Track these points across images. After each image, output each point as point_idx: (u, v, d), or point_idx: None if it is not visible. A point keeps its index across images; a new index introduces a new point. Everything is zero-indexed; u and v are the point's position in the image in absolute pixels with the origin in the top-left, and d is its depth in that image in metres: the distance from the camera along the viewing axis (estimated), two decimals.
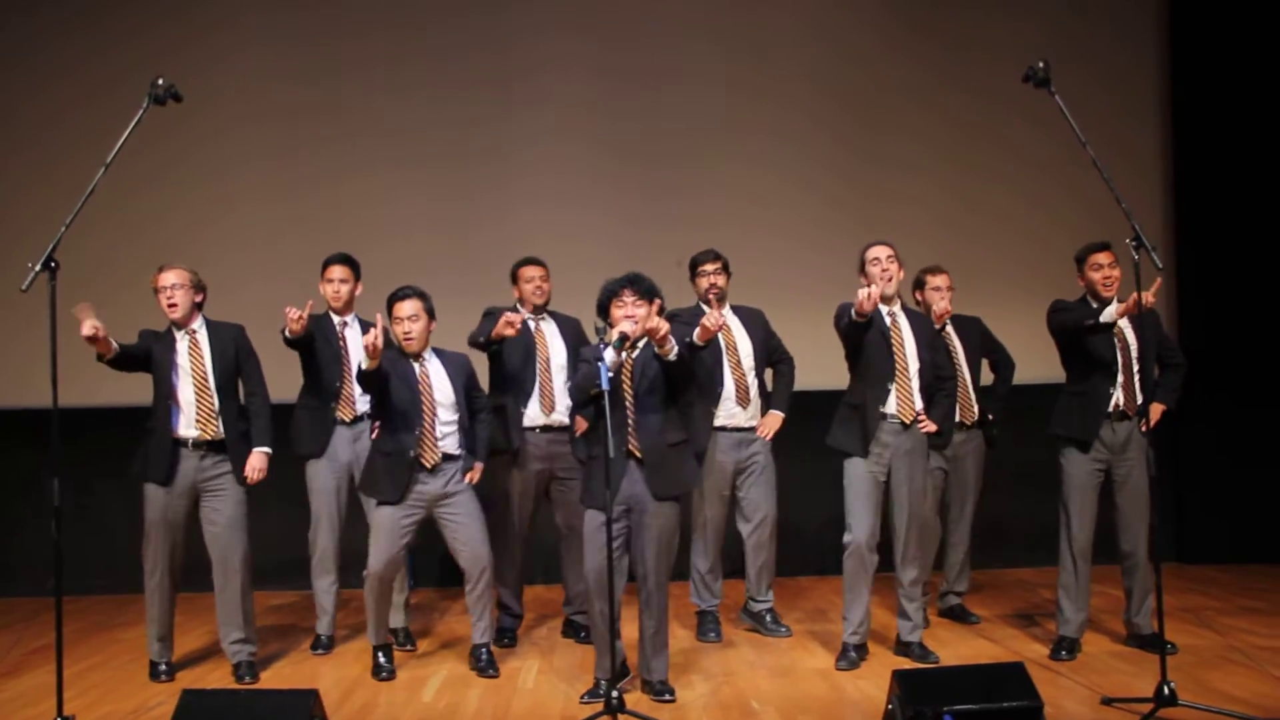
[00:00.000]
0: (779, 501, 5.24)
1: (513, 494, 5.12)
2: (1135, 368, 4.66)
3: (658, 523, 4.13)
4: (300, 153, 6.89)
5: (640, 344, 4.17)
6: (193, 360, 4.61)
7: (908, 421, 4.56)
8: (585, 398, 4.14)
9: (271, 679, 4.71)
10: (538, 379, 5.10)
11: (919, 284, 5.39)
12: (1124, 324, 4.64)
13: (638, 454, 4.13)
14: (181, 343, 4.63)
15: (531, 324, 5.18)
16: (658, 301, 4.11)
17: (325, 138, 6.89)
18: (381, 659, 4.66)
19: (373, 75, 6.92)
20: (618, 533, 4.02)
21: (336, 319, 5.15)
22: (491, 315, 5.07)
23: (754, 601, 5.30)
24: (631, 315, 4.06)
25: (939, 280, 5.33)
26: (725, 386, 5.14)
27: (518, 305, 5.20)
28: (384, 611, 4.67)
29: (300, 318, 4.74)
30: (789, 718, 3.97)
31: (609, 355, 3.97)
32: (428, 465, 4.53)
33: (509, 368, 5.11)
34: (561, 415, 5.11)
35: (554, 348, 5.18)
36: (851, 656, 4.59)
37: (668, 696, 4.16)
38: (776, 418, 5.24)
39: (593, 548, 4.09)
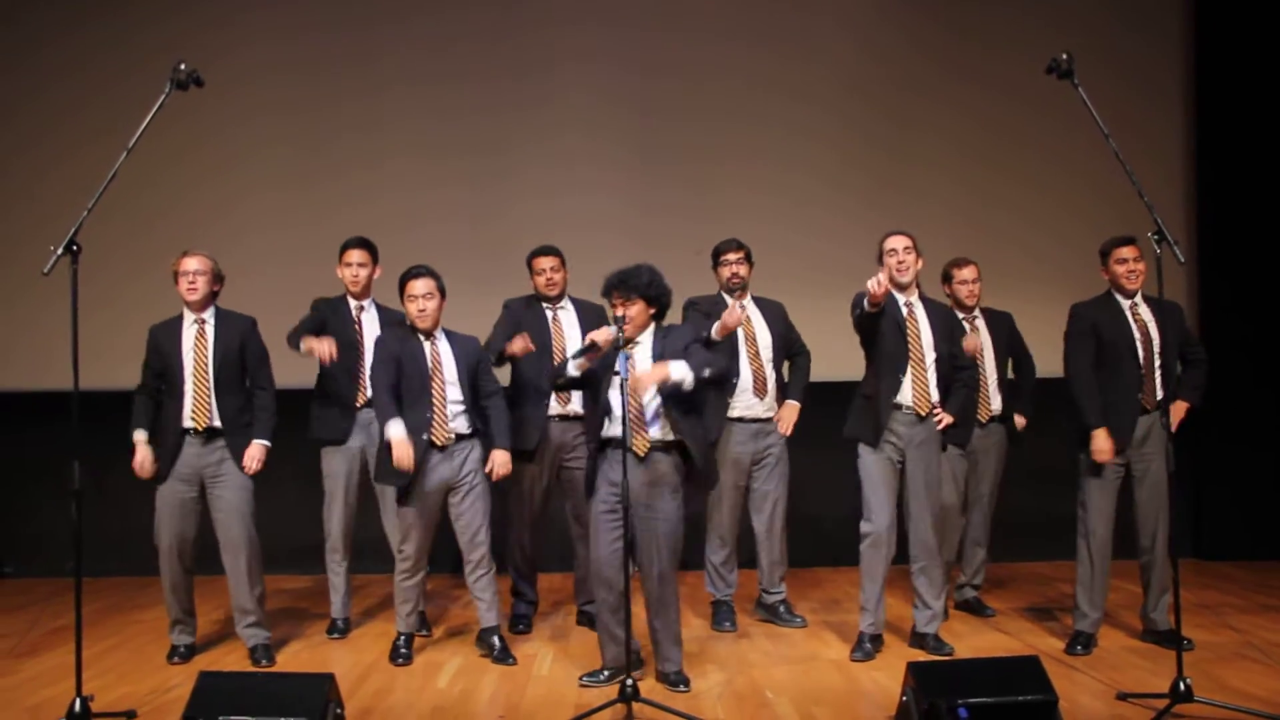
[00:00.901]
0: (794, 492, 5.25)
1: (524, 480, 5.13)
2: (1157, 363, 4.62)
3: (658, 517, 4.13)
4: (313, 142, 6.89)
5: (642, 342, 4.19)
6: (197, 349, 4.64)
7: (923, 414, 4.54)
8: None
9: (288, 662, 4.74)
10: None
11: (946, 277, 5.35)
12: (1146, 318, 4.63)
13: (639, 452, 4.13)
14: (189, 330, 4.66)
15: (549, 314, 5.18)
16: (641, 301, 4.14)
17: (338, 127, 6.88)
18: (401, 645, 4.68)
19: (385, 66, 6.91)
20: (622, 521, 4.02)
21: (353, 303, 5.14)
22: (509, 308, 5.12)
23: (767, 594, 5.30)
24: (622, 315, 4.10)
25: (966, 273, 5.29)
26: (743, 377, 5.12)
27: (536, 297, 5.21)
28: (415, 601, 4.71)
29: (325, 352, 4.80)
30: (803, 708, 3.97)
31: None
32: (439, 444, 4.55)
33: (528, 366, 5.10)
34: (576, 405, 5.11)
35: (570, 337, 5.17)
36: (866, 648, 4.59)
37: (682, 687, 4.16)
38: (793, 408, 5.23)
39: (594, 537, 4.12)
